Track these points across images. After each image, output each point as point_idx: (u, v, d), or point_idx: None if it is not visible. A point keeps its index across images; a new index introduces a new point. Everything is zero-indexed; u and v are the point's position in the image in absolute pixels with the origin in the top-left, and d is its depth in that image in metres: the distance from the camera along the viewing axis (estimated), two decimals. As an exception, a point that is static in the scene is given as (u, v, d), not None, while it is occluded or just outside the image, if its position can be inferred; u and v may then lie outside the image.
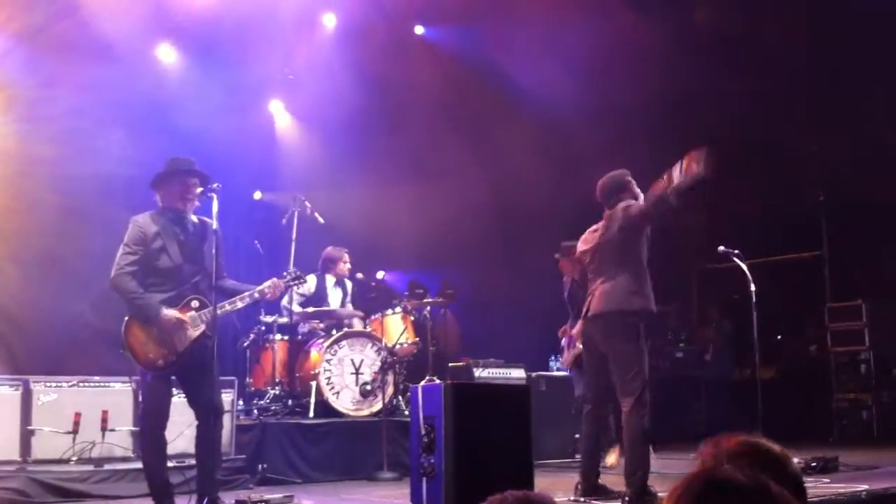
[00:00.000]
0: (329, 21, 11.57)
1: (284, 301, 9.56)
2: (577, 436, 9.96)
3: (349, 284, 10.19)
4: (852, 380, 12.40)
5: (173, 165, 6.10)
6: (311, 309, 9.78)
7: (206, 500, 5.67)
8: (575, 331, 9.13)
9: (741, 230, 10.82)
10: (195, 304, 5.93)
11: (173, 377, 5.99)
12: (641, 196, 6.56)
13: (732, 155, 11.32)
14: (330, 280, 10.03)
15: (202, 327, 5.89)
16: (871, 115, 11.12)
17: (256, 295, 6.11)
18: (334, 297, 10.00)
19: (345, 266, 10.06)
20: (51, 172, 9.83)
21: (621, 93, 11.03)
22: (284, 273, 6.49)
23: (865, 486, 6.38)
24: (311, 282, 9.71)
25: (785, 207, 12.98)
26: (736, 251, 8.23)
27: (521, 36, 11.18)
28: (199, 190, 5.98)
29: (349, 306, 10.10)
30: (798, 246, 13.34)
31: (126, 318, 5.85)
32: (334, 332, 9.37)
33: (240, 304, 6.09)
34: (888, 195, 11.47)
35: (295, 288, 9.45)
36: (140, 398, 6.01)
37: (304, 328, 9.84)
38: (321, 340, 9.30)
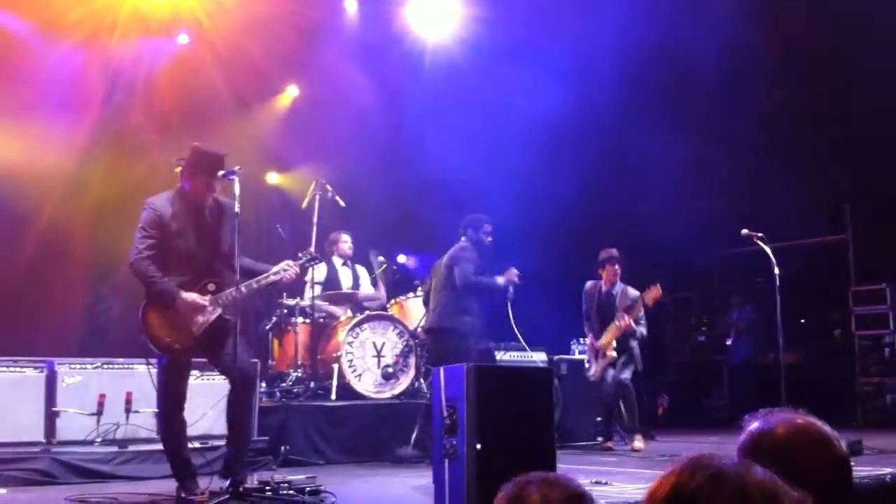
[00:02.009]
0: (350, 4, 11.54)
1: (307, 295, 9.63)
2: (598, 419, 10.00)
3: (359, 267, 10.26)
4: (877, 363, 12.34)
5: (203, 160, 5.92)
6: (340, 292, 9.89)
7: (229, 482, 5.69)
8: (601, 342, 9.40)
9: (765, 213, 10.72)
10: (211, 287, 5.87)
11: (195, 359, 6.02)
12: (483, 240, 8.51)
13: (757, 138, 11.28)
14: (338, 261, 10.15)
15: (219, 311, 5.85)
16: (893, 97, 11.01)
17: (272, 277, 6.02)
18: (345, 278, 10.09)
19: (344, 245, 10.16)
20: (72, 159, 9.90)
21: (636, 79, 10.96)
22: (299, 254, 6.37)
23: (890, 470, 6.35)
24: (322, 269, 9.80)
25: (810, 191, 12.89)
26: (760, 234, 8.16)
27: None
28: (225, 171, 5.91)
29: (381, 288, 10.16)
30: (823, 229, 13.25)
31: (143, 303, 5.82)
32: (352, 314, 9.41)
33: (255, 287, 5.99)
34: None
35: (311, 274, 9.51)
36: (158, 380, 5.97)
37: (320, 313, 9.85)
38: (343, 323, 9.32)
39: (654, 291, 9.28)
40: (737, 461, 1.58)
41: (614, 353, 9.31)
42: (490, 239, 8.62)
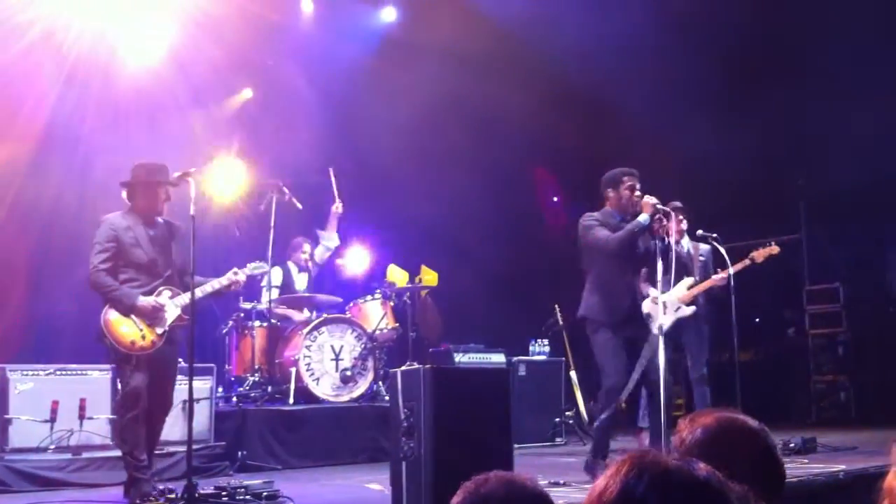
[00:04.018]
0: (307, 5, 11.50)
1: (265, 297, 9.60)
2: (557, 419, 10.03)
3: (313, 271, 10.26)
4: (830, 361, 12.49)
5: (140, 175, 6.26)
6: (298, 295, 9.84)
7: (183, 486, 5.65)
8: (681, 295, 8.55)
9: (720, 213, 10.84)
10: (167, 294, 6.17)
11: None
12: (626, 197, 7.04)
13: (709, 136, 11.37)
14: (293, 268, 10.14)
15: (178, 311, 6.13)
16: (848, 98, 11.15)
17: (216, 285, 6.38)
18: (300, 283, 10.08)
19: (303, 255, 10.16)
20: (30, 164, 9.77)
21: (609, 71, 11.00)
22: (247, 265, 6.70)
23: (843, 467, 6.43)
24: (278, 274, 9.86)
25: (763, 191, 13.03)
26: (714, 234, 8.24)
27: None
28: (181, 173, 6.07)
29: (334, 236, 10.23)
30: (776, 229, 13.39)
31: (104, 310, 6.01)
32: (311, 315, 9.38)
33: (209, 290, 6.33)
34: (865, 178, 11.52)
35: (266, 278, 9.49)
36: (118, 386, 6.05)
37: (275, 316, 9.80)
38: (301, 327, 9.27)
39: (771, 249, 8.63)
40: (680, 459, 1.60)
41: (692, 308, 8.55)
42: (637, 194, 7.06)
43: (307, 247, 10.22)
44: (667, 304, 8.34)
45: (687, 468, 1.56)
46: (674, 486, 1.53)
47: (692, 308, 8.51)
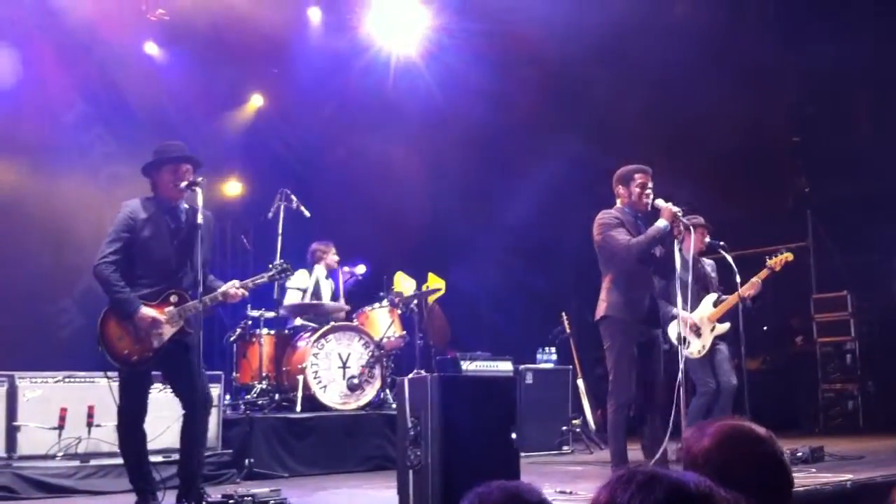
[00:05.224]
0: (314, 14, 11.55)
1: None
2: (564, 428, 10.02)
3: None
4: (838, 370, 12.45)
5: (164, 151, 5.94)
6: (306, 301, 9.82)
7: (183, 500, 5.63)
8: (709, 314, 8.38)
9: (726, 222, 10.85)
10: (174, 298, 5.77)
11: (155, 372, 5.96)
12: (636, 194, 6.90)
13: (719, 145, 11.39)
14: (321, 272, 10.07)
15: (181, 323, 5.77)
16: (855, 105, 11.15)
17: (219, 297, 5.93)
18: (326, 290, 10.05)
19: (333, 258, 10.11)
20: (32, 169, 9.82)
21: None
22: (270, 265, 6.33)
23: (850, 476, 6.41)
24: (304, 277, 9.82)
25: (770, 199, 13.02)
26: (721, 243, 8.22)
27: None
28: (188, 182, 5.84)
29: (341, 300, 10.08)
30: (784, 237, 13.38)
31: (103, 312, 5.73)
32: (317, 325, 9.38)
33: (208, 302, 5.83)
34: (872, 185, 11.52)
35: (287, 282, 9.48)
36: (118, 393, 5.89)
37: (290, 323, 9.84)
38: (308, 334, 9.28)
39: (786, 256, 8.35)
40: (670, 469, 1.63)
41: (725, 325, 8.35)
42: (648, 192, 6.89)
43: (333, 248, 10.17)
44: (701, 326, 8.34)
45: (675, 475, 1.59)
46: (659, 491, 1.55)
47: (727, 325, 8.38)
